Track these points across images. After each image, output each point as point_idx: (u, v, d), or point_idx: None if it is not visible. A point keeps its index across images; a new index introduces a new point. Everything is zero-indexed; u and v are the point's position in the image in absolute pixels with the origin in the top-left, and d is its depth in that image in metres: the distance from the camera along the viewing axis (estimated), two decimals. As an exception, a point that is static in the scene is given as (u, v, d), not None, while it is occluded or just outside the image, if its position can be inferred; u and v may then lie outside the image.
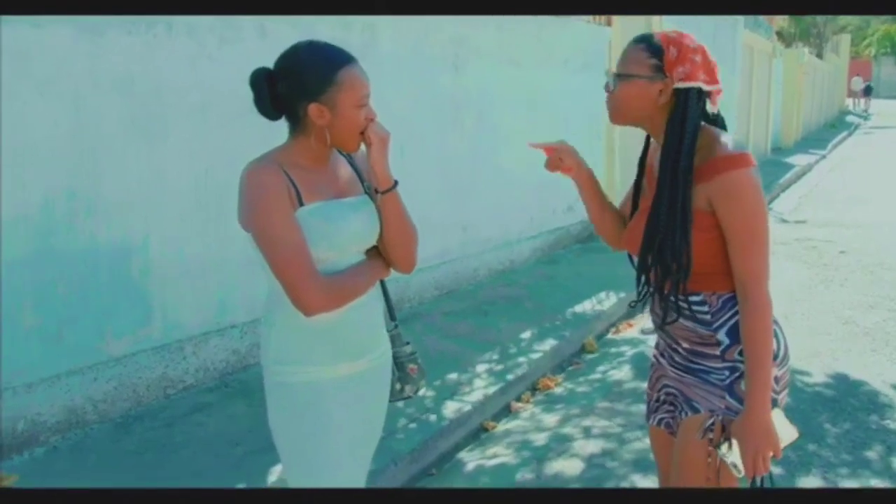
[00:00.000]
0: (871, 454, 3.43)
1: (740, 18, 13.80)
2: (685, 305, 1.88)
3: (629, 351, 4.95)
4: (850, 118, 32.29)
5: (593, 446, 3.58)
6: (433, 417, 3.70)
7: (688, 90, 1.79)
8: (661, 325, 1.98)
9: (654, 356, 2.13)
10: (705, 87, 1.79)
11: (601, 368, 4.66)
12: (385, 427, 3.51)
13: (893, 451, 3.46)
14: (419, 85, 5.32)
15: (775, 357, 1.80)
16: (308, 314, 1.72)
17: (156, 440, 3.39)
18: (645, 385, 4.41)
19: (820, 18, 30.47)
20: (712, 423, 1.83)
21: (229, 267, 3.94)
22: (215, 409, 3.70)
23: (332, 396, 1.85)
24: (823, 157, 18.10)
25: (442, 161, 5.62)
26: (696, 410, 1.88)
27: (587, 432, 3.72)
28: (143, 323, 3.68)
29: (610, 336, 5.33)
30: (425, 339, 4.71)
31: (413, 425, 3.60)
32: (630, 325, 5.52)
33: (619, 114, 1.90)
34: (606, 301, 5.68)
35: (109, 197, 3.48)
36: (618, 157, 8.26)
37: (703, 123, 1.84)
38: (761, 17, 17.68)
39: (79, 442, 3.35)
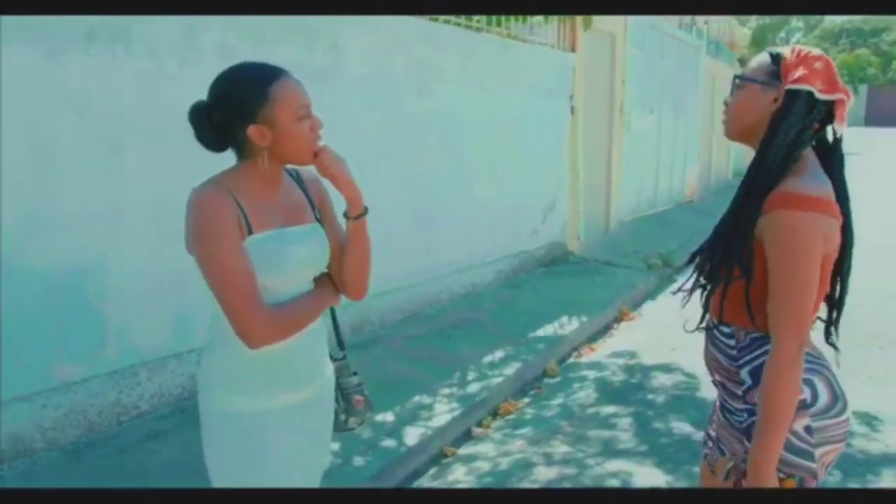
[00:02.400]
0: (829, 478, 3.45)
1: (702, 45, 14.08)
2: (717, 333, 1.86)
3: (591, 375, 4.95)
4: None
5: (554, 472, 3.56)
6: (392, 443, 3.66)
7: (797, 92, 1.72)
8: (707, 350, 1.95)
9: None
10: (818, 94, 1.71)
11: (563, 393, 4.65)
12: (343, 453, 3.49)
13: (849, 475, 3.49)
14: (384, 107, 5.32)
15: (808, 406, 1.73)
16: (252, 347, 1.68)
17: (107, 468, 3.30)
18: (606, 409, 4.42)
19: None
20: (733, 467, 1.79)
21: (187, 290, 3.86)
22: (170, 436, 3.62)
23: (274, 426, 1.80)
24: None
25: (406, 184, 5.61)
26: (723, 453, 1.85)
27: (548, 458, 3.71)
28: (96, 347, 3.59)
29: (572, 360, 5.34)
30: (386, 363, 4.67)
31: (372, 451, 3.56)
32: (592, 350, 5.53)
33: (732, 122, 1.86)
34: (568, 325, 5.69)
35: (65, 218, 3.41)
36: (582, 181, 8.33)
37: (807, 151, 1.77)
38: (723, 44, 18.04)
39: (25, 471, 3.25)
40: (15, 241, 3.23)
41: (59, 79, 3.35)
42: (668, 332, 5.45)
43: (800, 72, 1.72)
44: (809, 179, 1.70)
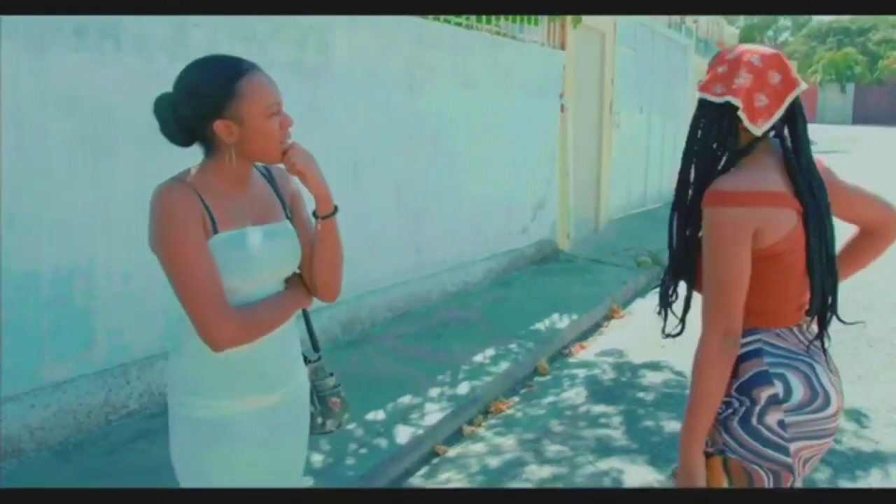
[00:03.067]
0: (819, 475, 3.47)
1: (691, 44, 14.11)
2: None
3: (582, 373, 4.96)
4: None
5: (545, 471, 3.56)
6: (383, 442, 3.65)
7: (702, 101, 1.76)
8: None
9: None
10: (712, 98, 1.73)
11: (554, 391, 4.66)
12: (334, 452, 3.48)
13: (840, 471, 3.51)
14: (374, 106, 5.30)
15: (781, 401, 1.72)
16: (216, 349, 1.62)
17: (96, 468, 3.28)
18: (597, 408, 4.43)
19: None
20: (706, 455, 1.81)
21: (176, 289, 3.84)
22: (160, 435, 3.58)
23: (241, 433, 1.73)
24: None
25: (396, 182, 5.60)
26: (707, 444, 1.87)
27: (540, 456, 3.71)
28: (85, 346, 3.57)
29: (562, 358, 5.34)
30: (377, 362, 4.66)
31: (363, 450, 3.55)
32: (582, 348, 5.54)
33: None
34: (559, 323, 5.70)
35: (53, 217, 3.38)
36: (572, 179, 8.34)
37: (762, 148, 1.75)
38: (712, 43, 18.10)
39: (13, 472, 3.22)
40: (1, 240, 3.20)
41: (46, 76, 3.32)
42: (657, 329, 5.45)
43: (706, 78, 1.76)
44: (742, 175, 1.72)
